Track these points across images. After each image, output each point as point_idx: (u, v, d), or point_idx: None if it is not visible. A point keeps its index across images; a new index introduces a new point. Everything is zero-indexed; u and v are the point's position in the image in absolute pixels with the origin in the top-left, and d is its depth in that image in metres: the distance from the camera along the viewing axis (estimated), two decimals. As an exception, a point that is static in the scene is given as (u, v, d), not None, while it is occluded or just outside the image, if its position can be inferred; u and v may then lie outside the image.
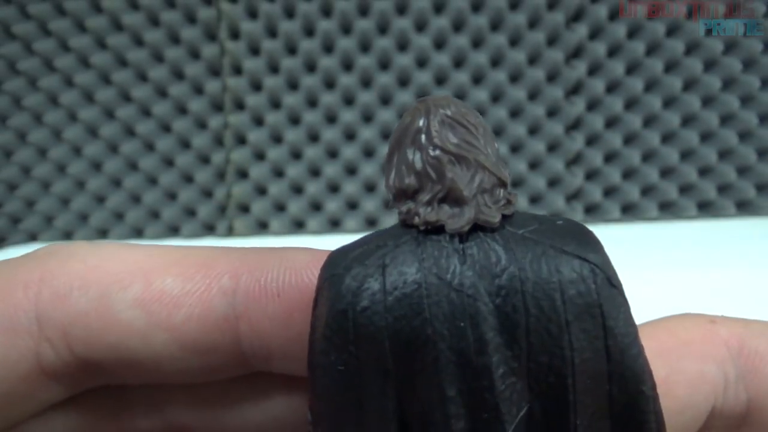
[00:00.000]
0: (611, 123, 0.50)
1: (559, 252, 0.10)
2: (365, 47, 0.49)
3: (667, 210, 0.51)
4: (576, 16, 0.48)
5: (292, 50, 0.49)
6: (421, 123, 0.10)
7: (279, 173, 0.51)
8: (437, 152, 0.10)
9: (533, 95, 0.49)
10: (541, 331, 0.09)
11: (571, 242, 0.10)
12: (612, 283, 0.10)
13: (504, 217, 0.10)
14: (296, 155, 0.51)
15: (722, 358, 0.12)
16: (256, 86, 0.49)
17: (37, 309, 0.11)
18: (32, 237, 0.52)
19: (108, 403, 0.13)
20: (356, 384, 0.10)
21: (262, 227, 0.52)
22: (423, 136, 0.10)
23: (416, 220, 0.10)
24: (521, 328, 0.10)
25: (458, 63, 0.49)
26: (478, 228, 0.10)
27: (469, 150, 0.10)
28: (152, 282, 0.11)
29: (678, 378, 0.12)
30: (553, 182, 0.51)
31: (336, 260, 0.10)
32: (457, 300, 0.09)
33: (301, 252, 0.12)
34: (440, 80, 0.49)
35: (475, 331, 0.09)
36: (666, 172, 0.50)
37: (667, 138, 0.50)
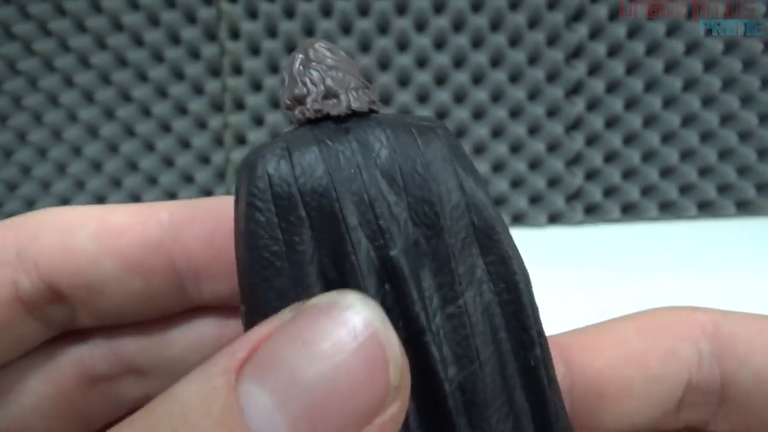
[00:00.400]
0: (611, 123, 0.50)
1: (416, 122, 0.13)
2: (365, 47, 0.49)
3: (667, 210, 0.51)
4: (576, 16, 0.48)
5: (292, 50, 0.49)
6: (302, 53, 0.14)
7: (279, 173, 0.51)
8: (317, 65, 0.14)
9: (533, 95, 0.49)
10: (411, 171, 0.13)
11: (426, 119, 0.14)
12: (454, 142, 0.13)
13: (371, 111, 0.14)
14: (296, 155, 0.51)
15: (696, 338, 0.13)
16: (256, 86, 0.50)
17: (16, 246, 0.14)
18: (32, 237, 0.52)
19: (73, 350, 0.15)
20: (278, 238, 0.12)
21: (262, 227, 0.52)
22: (306, 59, 0.14)
23: (307, 113, 0.13)
24: (396, 171, 0.13)
25: (458, 63, 0.49)
26: (354, 115, 0.13)
27: (339, 62, 0.14)
28: (106, 219, 0.14)
29: (653, 352, 0.13)
30: (553, 182, 0.51)
31: (248, 154, 0.13)
32: (346, 156, 0.13)
33: (226, 197, 0.14)
34: (440, 80, 0.49)
35: (364, 174, 0.12)
36: (666, 172, 0.50)
37: (667, 138, 0.50)
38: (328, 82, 0.13)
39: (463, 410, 0.12)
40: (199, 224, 0.14)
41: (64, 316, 0.14)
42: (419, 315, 0.12)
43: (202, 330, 0.15)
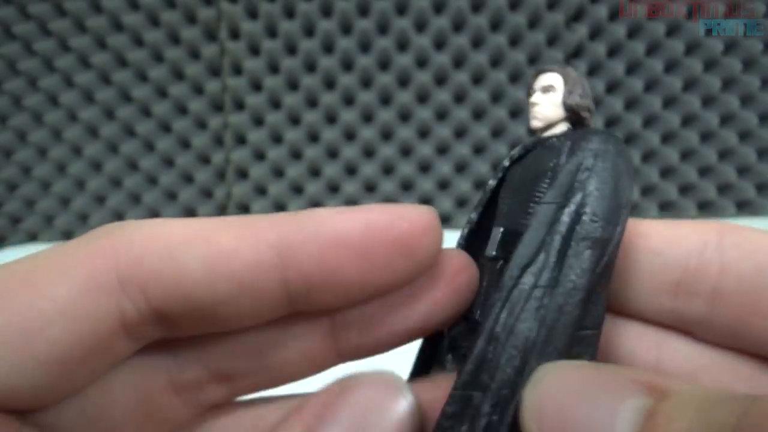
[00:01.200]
0: (611, 123, 0.50)
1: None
2: (365, 47, 0.49)
3: (667, 210, 0.51)
4: (576, 16, 0.48)
5: (292, 50, 0.49)
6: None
7: (279, 173, 0.51)
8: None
9: (533, 95, 0.49)
10: None
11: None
12: None
13: None
14: (296, 155, 0.51)
15: (706, 233, 0.15)
16: (256, 86, 0.50)
17: (117, 272, 0.13)
18: (32, 237, 0.52)
19: (160, 357, 0.15)
20: None
21: (262, 227, 0.52)
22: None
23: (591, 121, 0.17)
24: None
25: (458, 63, 0.49)
26: None
27: None
28: (210, 242, 0.14)
29: (661, 235, 0.16)
30: (553, 182, 0.51)
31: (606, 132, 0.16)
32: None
33: (324, 209, 0.15)
34: (440, 80, 0.49)
35: None
36: (666, 172, 0.50)
37: (667, 138, 0.50)
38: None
39: None
40: (311, 244, 0.14)
41: (162, 333, 0.14)
42: None
43: (296, 335, 0.16)
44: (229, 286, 0.13)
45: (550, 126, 0.17)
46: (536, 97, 0.17)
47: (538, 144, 0.17)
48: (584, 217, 0.14)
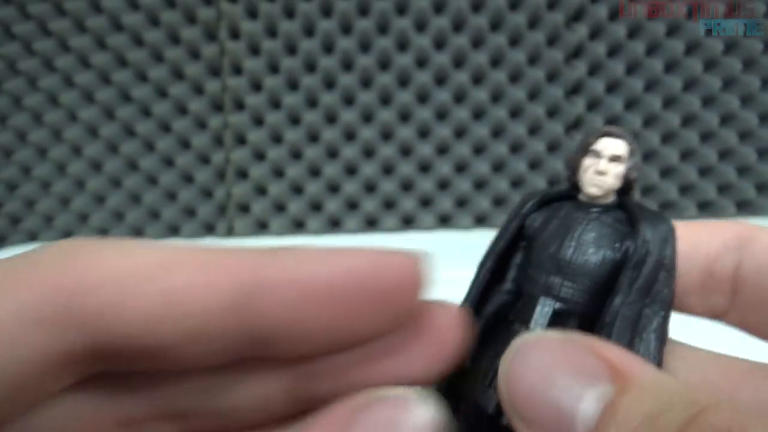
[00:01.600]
0: (611, 123, 0.50)
1: None
2: (365, 47, 0.49)
3: (668, 210, 0.51)
4: (576, 16, 0.48)
5: (292, 50, 0.49)
6: None
7: (279, 173, 0.51)
8: None
9: (533, 95, 0.49)
10: None
11: None
12: None
13: None
14: (296, 155, 0.51)
15: (727, 237, 0.17)
16: (256, 86, 0.50)
17: (66, 302, 0.12)
18: (32, 237, 0.52)
19: (101, 390, 0.14)
20: None
21: (262, 227, 0.52)
22: None
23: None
24: None
25: (458, 63, 0.49)
26: None
27: None
28: (174, 276, 0.12)
29: (684, 238, 0.17)
30: (554, 182, 0.51)
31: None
32: None
33: (301, 250, 0.13)
34: (440, 80, 0.49)
35: None
36: (666, 172, 0.50)
37: (667, 138, 0.50)
38: None
39: None
40: (281, 289, 0.13)
41: (104, 367, 0.13)
42: None
43: (252, 379, 0.14)
44: (189, 325, 0.12)
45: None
46: (604, 165, 0.16)
47: (572, 203, 0.16)
48: (666, 319, 0.15)
